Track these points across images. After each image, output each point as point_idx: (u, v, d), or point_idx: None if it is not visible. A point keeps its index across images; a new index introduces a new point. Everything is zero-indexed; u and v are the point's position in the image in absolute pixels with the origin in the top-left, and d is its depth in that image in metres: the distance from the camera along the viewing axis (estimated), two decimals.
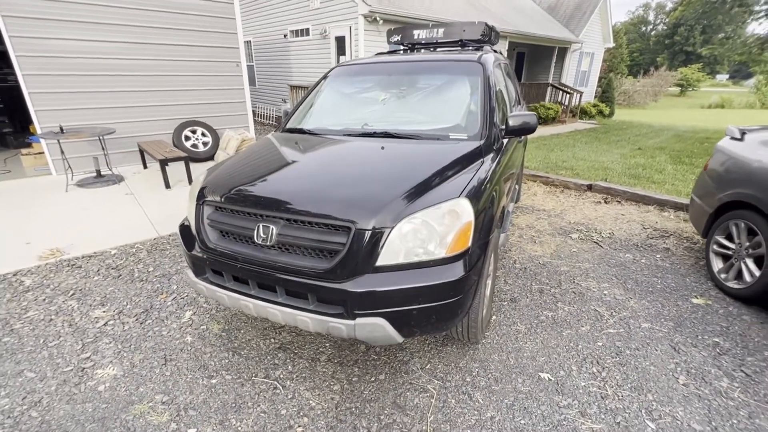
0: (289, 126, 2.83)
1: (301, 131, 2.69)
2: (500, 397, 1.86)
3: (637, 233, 3.84)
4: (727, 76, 56.40)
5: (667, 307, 2.60)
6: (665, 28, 49.88)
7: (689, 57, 45.35)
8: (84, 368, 2.04)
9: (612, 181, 5.35)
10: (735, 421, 1.72)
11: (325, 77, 3.15)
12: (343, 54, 9.13)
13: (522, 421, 1.73)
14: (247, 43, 12.24)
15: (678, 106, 28.64)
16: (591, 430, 1.68)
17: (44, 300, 2.63)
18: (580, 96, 13.32)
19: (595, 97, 16.79)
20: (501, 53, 3.77)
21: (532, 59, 15.17)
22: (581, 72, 15.84)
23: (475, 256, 1.72)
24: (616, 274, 3.04)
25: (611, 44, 17.23)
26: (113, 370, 2.03)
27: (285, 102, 11.01)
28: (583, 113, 14.16)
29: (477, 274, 1.75)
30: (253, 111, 7.29)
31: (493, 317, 2.47)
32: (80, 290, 2.76)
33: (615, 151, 7.96)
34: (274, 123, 10.94)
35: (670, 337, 2.29)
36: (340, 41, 9.14)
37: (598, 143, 8.90)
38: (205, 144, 6.42)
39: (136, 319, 2.45)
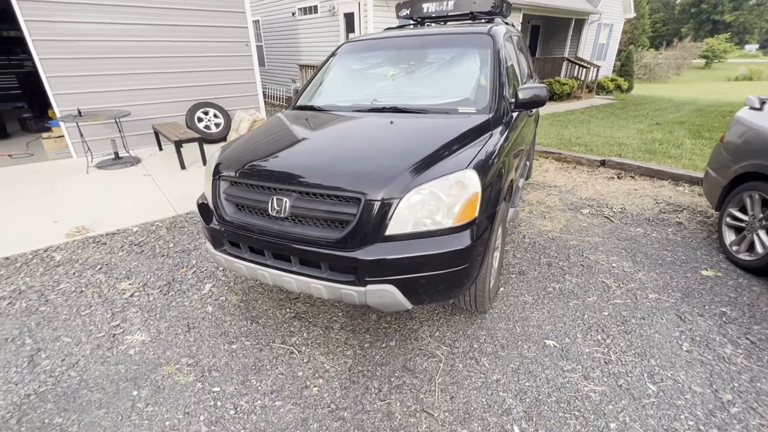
0: (299, 103, 2.87)
1: (311, 108, 2.73)
2: (506, 362, 1.94)
3: (649, 208, 3.80)
4: (757, 45, 53.30)
5: (676, 278, 2.61)
6: None
7: (716, 26, 43.00)
8: (115, 334, 2.19)
9: (627, 157, 5.26)
10: (736, 385, 1.76)
11: (333, 54, 3.15)
12: (353, 31, 8.98)
13: (526, 384, 1.81)
14: (256, 22, 12.11)
15: (702, 79, 27.39)
16: (593, 392, 1.75)
17: (74, 273, 2.79)
18: (597, 70, 12.87)
19: (614, 71, 16.19)
20: (513, 26, 3.69)
21: (547, 32, 14.64)
22: (599, 45, 15.24)
23: (482, 226, 1.76)
24: (626, 247, 3.05)
25: (632, 14, 16.45)
26: (141, 336, 2.18)
27: (294, 82, 10.96)
28: (600, 88, 13.71)
29: (484, 245, 1.80)
30: (263, 92, 7.31)
31: (501, 289, 2.53)
32: (106, 264, 2.91)
33: (631, 126, 7.75)
34: (283, 104, 10.93)
35: (677, 307, 2.32)
36: (349, 18, 8.98)
37: (615, 119, 8.67)
38: (217, 125, 6.50)
39: (160, 291, 2.59)
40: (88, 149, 5.23)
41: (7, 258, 2.96)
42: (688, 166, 4.83)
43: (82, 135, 5.14)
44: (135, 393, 1.80)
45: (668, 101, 12.12)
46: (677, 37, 37.12)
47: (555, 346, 2.03)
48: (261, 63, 12.27)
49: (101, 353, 2.05)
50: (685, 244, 3.09)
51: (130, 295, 2.54)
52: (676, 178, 4.49)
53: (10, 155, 5.80)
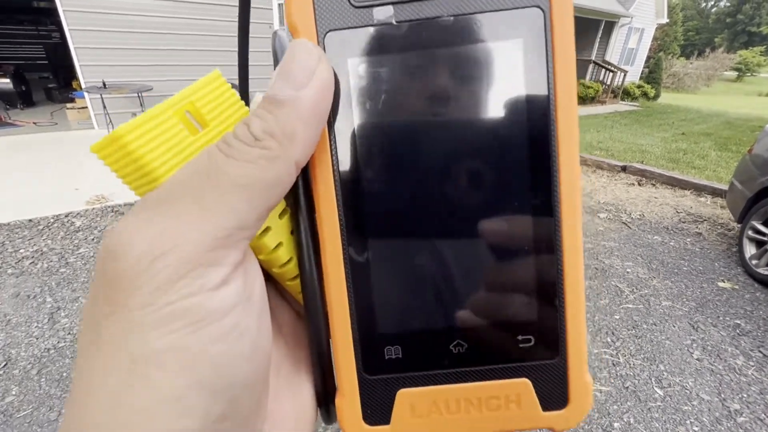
0: None
1: None
2: None
3: (668, 216, 3.73)
4: None
5: (691, 288, 2.57)
6: (728, 5, 45.56)
7: (752, 38, 41.48)
8: None
9: (649, 164, 5.15)
10: (745, 395, 1.74)
11: None
12: None
13: None
14: (280, 5, 12.11)
15: (732, 92, 26.52)
16: (599, 392, 1.74)
17: (93, 239, 2.87)
18: (624, 75, 12.58)
19: (641, 77, 15.80)
20: None
21: (575, 32, 14.31)
22: (628, 49, 14.86)
23: None
24: (642, 254, 3.00)
25: (665, 20, 15.99)
26: None
27: None
28: (626, 94, 13.40)
29: None
30: None
31: None
32: None
33: (656, 134, 7.58)
34: None
35: (690, 316, 2.29)
36: None
37: (639, 126, 8.48)
38: None
39: None
40: (110, 121, 5.32)
41: (30, 220, 3.06)
42: (712, 178, 4.72)
43: (105, 107, 5.23)
44: None
45: (696, 112, 11.80)
46: (710, 46, 35.93)
47: None
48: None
49: None
50: (703, 254, 3.03)
51: None
52: (698, 189, 4.39)
53: (35, 123, 5.96)
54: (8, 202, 3.32)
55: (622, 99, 13.27)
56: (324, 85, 0.14)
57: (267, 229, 0.16)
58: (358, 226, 0.15)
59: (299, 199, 0.16)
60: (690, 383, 1.80)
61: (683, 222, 3.62)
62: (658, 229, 3.46)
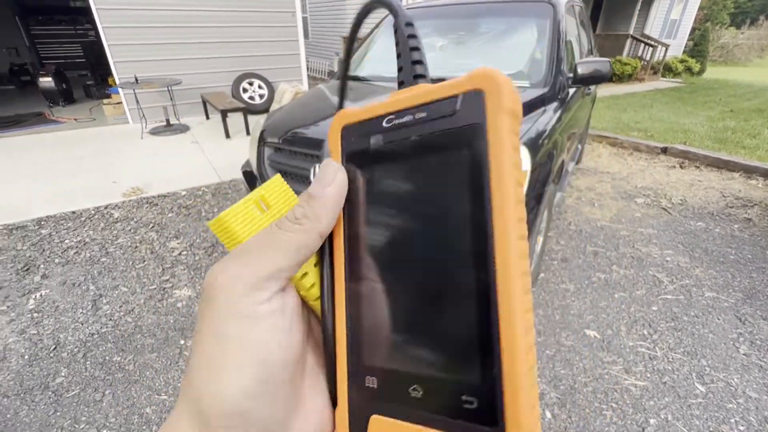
0: None
1: (356, 78, 2.69)
2: (542, 348, 1.89)
3: (714, 201, 3.48)
4: None
5: (738, 278, 2.39)
6: None
7: None
8: (165, 288, 2.35)
9: (692, 145, 4.80)
10: None
11: (379, 24, 3.06)
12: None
13: (562, 371, 1.75)
14: None
15: None
16: (634, 386, 1.66)
17: (130, 230, 3.01)
18: (666, 50, 11.69)
19: (684, 51, 14.67)
20: None
21: (611, 6, 13.42)
22: (670, 21, 13.79)
23: (528, 207, 1.68)
24: (683, 241, 2.82)
25: None
26: (188, 291, 2.32)
27: (337, 55, 10.88)
28: (667, 70, 12.49)
29: (528, 226, 1.72)
30: (306, 65, 7.32)
31: (542, 275, 2.44)
32: (158, 224, 3.10)
33: (701, 113, 7.05)
34: (325, 77, 10.92)
35: (737, 308, 2.14)
36: None
37: (681, 104, 7.91)
38: (261, 96, 6.63)
39: (205, 252, 2.73)
40: (143, 116, 5.52)
41: (73, 212, 3.24)
42: (765, 158, 4.34)
43: (138, 102, 5.42)
44: (182, 342, 1.94)
45: (746, 86, 10.86)
46: (764, 14, 32.71)
47: (596, 337, 1.94)
48: (305, 35, 12.24)
49: (153, 304, 2.21)
50: (752, 242, 2.81)
51: (179, 254, 2.71)
52: (748, 171, 4.06)
53: (75, 119, 6.27)
54: (54, 195, 3.53)
55: (663, 75, 12.39)
56: (340, 186, 0.22)
57: (305, 274, 0.24)
58: (356, 275, 0.22)
59: (324, 256, 0.24)
60: (735, 380, 1.69)
61: (730, 207, 3.37)
62: (702, 214, 3.23)
